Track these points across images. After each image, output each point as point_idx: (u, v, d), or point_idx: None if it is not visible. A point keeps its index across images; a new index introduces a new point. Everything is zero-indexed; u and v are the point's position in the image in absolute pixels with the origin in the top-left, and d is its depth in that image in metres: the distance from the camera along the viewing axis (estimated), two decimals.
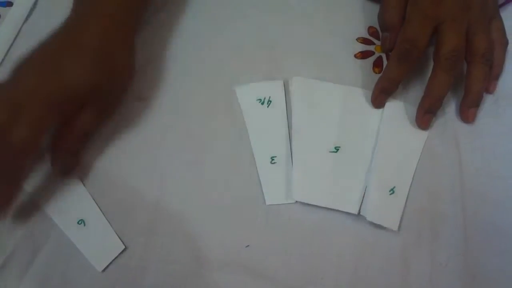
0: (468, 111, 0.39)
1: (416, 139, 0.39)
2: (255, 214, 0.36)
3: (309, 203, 0.36)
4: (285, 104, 0.40)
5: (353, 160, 0.38)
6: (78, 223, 0.35)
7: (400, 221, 0.35)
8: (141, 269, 0.34)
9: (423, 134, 0.39)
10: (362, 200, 0.36)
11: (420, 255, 0.34)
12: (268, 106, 0.40)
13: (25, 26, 0.44)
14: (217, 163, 0.38)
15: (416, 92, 0.40)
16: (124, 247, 0.35)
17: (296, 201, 0.36)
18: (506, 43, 0.41)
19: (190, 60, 0.42)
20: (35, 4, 0.45)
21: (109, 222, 0.36)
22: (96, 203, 0.36)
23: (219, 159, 0.38)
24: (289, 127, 0.39)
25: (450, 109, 0.40)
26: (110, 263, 0.34)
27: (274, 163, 0.38)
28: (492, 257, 0.34)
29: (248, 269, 0.34)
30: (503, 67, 0.41)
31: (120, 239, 0.35)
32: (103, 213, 0.36)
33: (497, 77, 0.41)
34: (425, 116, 0.38)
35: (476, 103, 0.39)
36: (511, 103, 0.40)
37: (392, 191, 0.36)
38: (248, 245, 0.35)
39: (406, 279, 0.34)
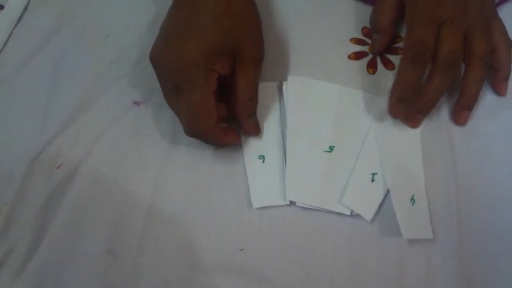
0: (460, 113, 0.39)
1: (411, 137, 0.39)
2: (249, 217, 0.36)
3: (302, 202, 0.36)
4: (278, 105, 0.40)
5: (347, 160, 0.38)
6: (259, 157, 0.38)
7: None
8: (135, 273, 0.34)
9: (416, 131, 0.39)
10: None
11: (415, 257, 0.34)
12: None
13: (16, 29, 0.44)
14: (211, 166, 0.38)
15: None
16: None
17: (289, 203, 0.36)
18: (510, 44, 0.40)
19: None
20: (26, 7, 0.45)
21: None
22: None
23: (213, 162, 0.38)
24: (282, 127, 0.39)
25: (445, 111, 0.40)
26: None
27: (264, 164, 0.38)
28: (487, 258, 0.34)
29: (242, 272, 0.34)
30: (511, 68, 0.40)
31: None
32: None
33: (506, 79, 0.40)
34: (415, 116, 0.38)
35: (470, 106, 0.39)
36: (505, 104, 0.40)
37: (412, 200, 0.36)
38: (242, 249, 0.35)
39: (401, 281, 0.34)
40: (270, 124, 0.39)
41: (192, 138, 0.37)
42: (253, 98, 0.37)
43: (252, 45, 0.36)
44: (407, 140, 0.39)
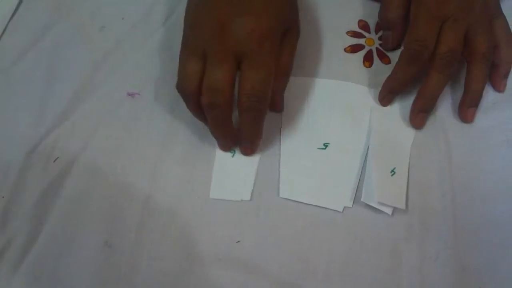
0: (467, 111, 0.39)
1: (405, 127, 0.39)
2: (246, 210, 0.36)
3: (295, 200, 0.36)
4: None
5: (341, 157, 0.38)
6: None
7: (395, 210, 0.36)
8: (132, 266, 0.34)
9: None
10: (357, 187, 0.36)
11: (410, 248, 0.35)
12: None
13: (12, 21, 0.44)
14: (208, 158, 0.38)
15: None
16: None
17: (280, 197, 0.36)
18: None
19: None
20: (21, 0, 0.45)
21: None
22: None
23: (209, 154, 0.38)
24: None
25: (440, 104, 0.40)
26: None
27: (234, 158, 0.38)
28: (481, 249, 0.34)
29: (239, 264, 0.34)
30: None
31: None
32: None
33: (506, 75, 0.40)
34: (418, 115, 0.39)
35: (475, 103, 0.39)
36: (500, 98, 0.40)
37: (393, 172, 0.36)
38: (239, 241, 0.35)
39: (396, 272, 0.34)
40: None
41: (190, 131, 0.36)
42: (290, 74, 0.37)
43: (299, 22, 0.38)
44: (400, 126, 0.39)
